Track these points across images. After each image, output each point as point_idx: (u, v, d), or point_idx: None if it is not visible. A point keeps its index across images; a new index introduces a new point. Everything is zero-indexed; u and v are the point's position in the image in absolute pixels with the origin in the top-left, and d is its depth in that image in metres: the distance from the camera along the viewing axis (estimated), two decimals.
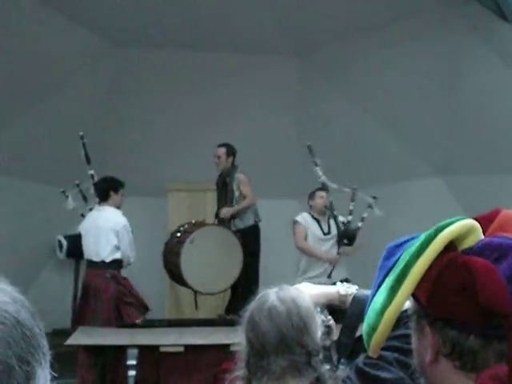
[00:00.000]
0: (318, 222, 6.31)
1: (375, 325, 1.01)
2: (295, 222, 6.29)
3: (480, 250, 0.97)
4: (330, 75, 7.47)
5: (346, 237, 6.18)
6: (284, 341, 1.70)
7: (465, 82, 6.50)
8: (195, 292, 6.56)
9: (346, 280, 6.16)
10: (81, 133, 5.92)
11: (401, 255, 1.00)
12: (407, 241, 1.02)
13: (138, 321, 5.58)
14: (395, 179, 7.17)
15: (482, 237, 1.00)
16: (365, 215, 6.24)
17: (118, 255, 5.67)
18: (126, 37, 7.03)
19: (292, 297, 1.76)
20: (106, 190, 5.75)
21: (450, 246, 0.97)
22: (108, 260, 5.66)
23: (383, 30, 6.64)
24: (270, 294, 1.76)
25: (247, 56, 7.29)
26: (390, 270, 1.01)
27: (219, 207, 6.67)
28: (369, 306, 1.03)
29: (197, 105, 7.42)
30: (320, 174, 6.34)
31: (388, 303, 0.98)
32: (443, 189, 7.05)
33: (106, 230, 5.62)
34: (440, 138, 6.86)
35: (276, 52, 7.38)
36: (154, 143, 7.51)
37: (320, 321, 1.76)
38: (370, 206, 6.29)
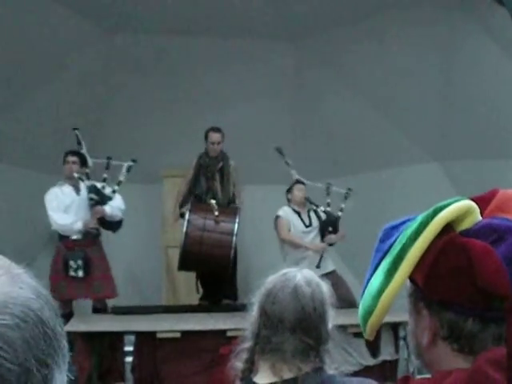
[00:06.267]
0: (299, 214, 6.37)
1: (371, 308, 0.99)
2: (277, 217, 6.35)
3: (478, 231, 0.95)
4: (326, 61, 7.42)
5: (330, 224, 6.26)
6: (303, 321, 1.69)
7: (460, 66, 6.47)
8: (197, 277, 6.58)
9: (333, 272, 6.24)
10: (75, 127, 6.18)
11: (397, 237, 0.98)
12: (404, 222, 1.00)
13: None
14: (391, 164, 7.16)
15: (480, 218, 0.99)
16: (343, 205, 6.34)
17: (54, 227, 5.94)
18: (119, 23, 6.96)
19: (317, 281, 1.77)
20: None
21: (448, 227, 0.96)
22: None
23: (380, 16, 6.59)
24: (296, 273, 1.76)
25: (242, 42, 7.23)
26: (386, 252, 0.99)
27: (213, 192, 6.54)
28: (365, 289, 1.02)
29: (192, 90, 7.37)
30: (293, 172, 6.52)
31: (384, 286, 0.97)
32: (440, 174, 7.04)
33: None
34: (436, 123, 6.84)
35: (271, 38, 7.32)
36: (150, 129, 7.47)
37: (333, 313, 1.77)
38: (346, 197, 6.41)
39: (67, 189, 5.97)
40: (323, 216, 6.32)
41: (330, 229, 6.25)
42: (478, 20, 6.10)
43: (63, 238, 5.88)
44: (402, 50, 6.71)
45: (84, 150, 6.15)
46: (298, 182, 6.47)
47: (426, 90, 6.74)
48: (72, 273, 5.64)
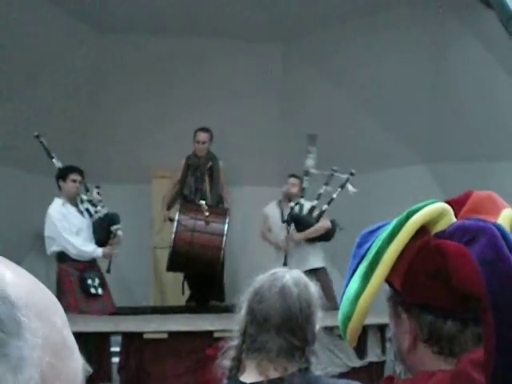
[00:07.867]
0: (282, 209, 6.30)
1: (349, 314, 0.99)
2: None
3: (452, 233, 0.96)
4: (316, 62, 7.43)
5: (293, 221, 6.04)
6: (289, 321, 1.70)
7: (449, 68, 6.49)
8: (184, 278, 6.56)
9: (320, 269, 6.15)
10: (36, 133, 5.70)
11: (373, 242, 0.99)
12: (380, 227, 1.00)
13: None
14: (379, 166, 7.16)
15: (454, 220, 0.99)
16: (334, 196, 6.11)
17: (55, 247, 5.49)
18: (109, 23, 6.93)
19: (305, 282, 1.77)
20: (56, 182, 5.57)
21: (423, 230, 0.96)
22: (49, 253, 5.56)
23: (369, 17, 6.59)
24: (285, 273, 1.77)
25: (233, 42, 7.22)
26: (362, 257, 0.99)
27: (202, 193, 6.53)
28: (343, 294, 1.02)
29: (182, 91, 7.34)
30: (307, 162, 6.33)
31: (361, 291, 0.97)
32: (427, 176, 7.05)
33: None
34: (424, 125, 6.85)
35: (262, 38, 7.30)
36: (139, 130, 7.44)
37: (320, 315, 1.77)
38: (341, 187, 6.14)
39: (71, 209, 5.59)
40: (294, 212, 6.07)
41: (291, 227, 6.02)
42: (466, 22, 6.13)
43: (70, 260, 5.52)
44: (391, 51, 6.71)
45: (55, 160, 5.71)
46: (291, 175, 6.35)
47: (415, 92, 6.76)
48: (93, 290, 5.51)
